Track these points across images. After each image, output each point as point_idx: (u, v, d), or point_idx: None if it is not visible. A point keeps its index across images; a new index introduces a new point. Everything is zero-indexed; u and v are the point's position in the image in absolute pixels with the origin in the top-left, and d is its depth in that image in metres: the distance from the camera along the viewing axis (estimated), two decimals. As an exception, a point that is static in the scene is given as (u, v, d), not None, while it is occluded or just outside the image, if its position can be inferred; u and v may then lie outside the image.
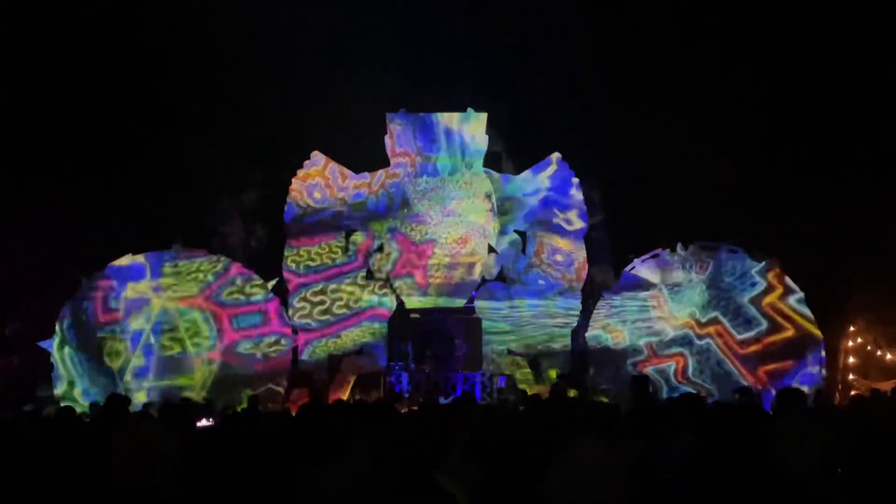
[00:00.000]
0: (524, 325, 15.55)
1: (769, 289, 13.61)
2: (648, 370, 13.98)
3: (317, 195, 15.88)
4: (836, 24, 12.70)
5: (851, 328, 13.65)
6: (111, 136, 13.79)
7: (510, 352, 15.52)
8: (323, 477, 3.33)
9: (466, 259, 15.78)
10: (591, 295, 15.66)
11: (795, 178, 12.94)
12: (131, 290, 14.13)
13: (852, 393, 12.52)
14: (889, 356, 13.22)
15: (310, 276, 15.54)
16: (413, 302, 15.71)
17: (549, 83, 15.10)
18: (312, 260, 15.64)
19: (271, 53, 14.77)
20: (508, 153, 16.57)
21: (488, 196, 15.85)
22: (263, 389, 13.87)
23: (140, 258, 14.34)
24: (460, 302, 15.78)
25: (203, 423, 8.10)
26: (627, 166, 14.81)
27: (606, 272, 15.86)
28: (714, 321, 14.00)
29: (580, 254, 15.67)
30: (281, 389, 14.32)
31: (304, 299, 15.43)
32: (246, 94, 14.70)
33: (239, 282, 14.84)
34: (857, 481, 3.73)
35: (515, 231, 15.98)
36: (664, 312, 14.61)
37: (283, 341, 14.93)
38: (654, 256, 14.74)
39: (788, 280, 13.49)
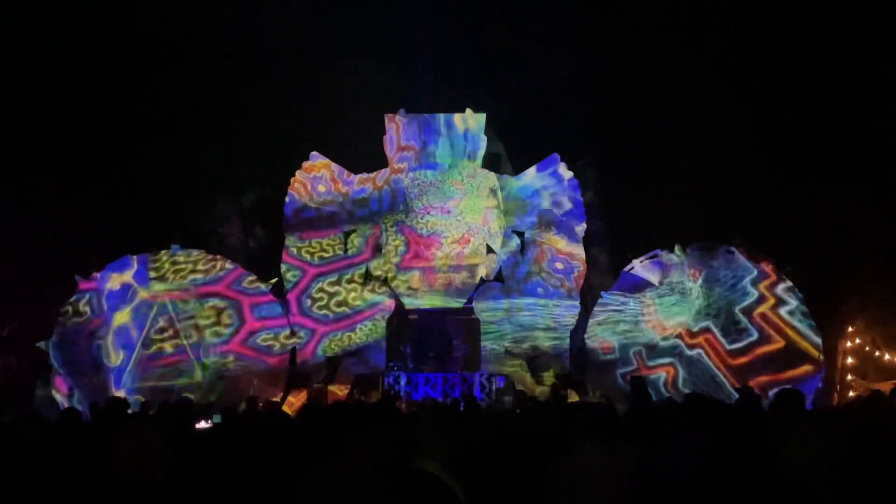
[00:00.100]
0: (523, 325, 15.55)
1: (761, 299, 13.17)
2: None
3: (321, 188, 15.92)
4: (833, 24, 12.71)
5: (850, 329, 13.63)
6: (109, 136, 13.78)
7: (508, 352, 15.53)
8: (322, 478, 3.33)
9: (468, 261, 15.79)
10: (589, 295, 15.67)
11: (794, 178, 12.94)
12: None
13: (851, 394, 12.52)
14: (887, 356, 13.22)
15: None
16: (415, 301, 15.74)
17: (548, 84, 15.13)
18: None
19: (270, 54, 14.79)
20: (507, 154, 16.59)
21: (493, 192, 15.87)
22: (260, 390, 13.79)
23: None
24: (459, 303, 15.79)
25: (202, 424, 8.08)
26: (626, 167, 14.84)
27: (605, 273, 15.87)
28: (705, 330, 13.66)
29: (580, 260, 15.66)
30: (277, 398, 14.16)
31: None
32: (244, 94, 14.70)
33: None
34: (857, 483, 3.72)
35: (514, 232, 16.00)
36: (654, 321, 14.47)
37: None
38: (652, 257, 14.70)
39: (780, 290, 13.01)
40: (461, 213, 15.87)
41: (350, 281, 15.58)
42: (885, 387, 10.26)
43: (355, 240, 15.84)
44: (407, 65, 15.26)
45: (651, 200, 14.13)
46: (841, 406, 10.90)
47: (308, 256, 15.63)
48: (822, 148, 12.94)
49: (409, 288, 15.71)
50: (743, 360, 13.10)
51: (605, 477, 3.71)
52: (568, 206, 15.89)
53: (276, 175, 16.00)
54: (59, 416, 6.38)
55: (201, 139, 14.64)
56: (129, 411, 7.00)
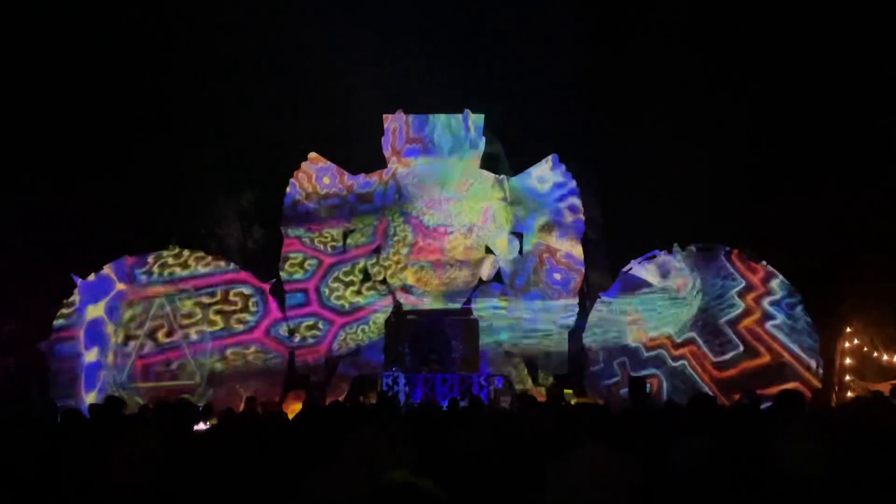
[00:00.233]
0: (521, 326, 15.54)
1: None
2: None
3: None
4: (830, 25, 12.71)
5: (848, 329, 13.62)
6: (107, 136, 13.75)
7: (507, 353, 15.51)
8: (321, 479, 3.31)
9: (473, 255, 15.80)
10: (588, 296, 15.66)
11: (794, 179, 12.94)
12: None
13: (849, 394, 12.52)
14: (886, 357, 13.21)
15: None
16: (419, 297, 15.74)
17: (546, 85, 15.13)
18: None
19: (269, 54, 14.77)
20: (505, 155, 16.59)
21: (500, 183, 15.95)
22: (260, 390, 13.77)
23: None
24: (458, 303, 15.78)
25: (201, 426, 8.06)
26: (625, 168, 14.82)
27: (604, 273, 15.85)
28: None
29: (579, 268, 15.64)
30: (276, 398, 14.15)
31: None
32: (243, 94, 14.67)
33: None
34: (856, 483, 3.72)
35: (513, 234, 15.98)
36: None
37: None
38: (651, 258, 14.68)
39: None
40: (461, 213, 15.89)
41: (362, 271, 15.69)
42: (884, 387, 10.27)
43: (362, 231, 15.86)
44: (406, 65, 15.25)
45: (649, 201, 14.11)
46: (840, 406, 10.89)
47: (322, 246, 15.71)
48: (822, 148, 12.93)
49: (409, 288, 15.71)
50: (729, 373, 12.75)
51: (604, 478, 3.70)
52: (566, 206, 15.90)
53: (276, 175, 15.99)
54: (61, 417, 6.37)
55: (201, 139, 14.62)
56: (127, 412, 6.99)
